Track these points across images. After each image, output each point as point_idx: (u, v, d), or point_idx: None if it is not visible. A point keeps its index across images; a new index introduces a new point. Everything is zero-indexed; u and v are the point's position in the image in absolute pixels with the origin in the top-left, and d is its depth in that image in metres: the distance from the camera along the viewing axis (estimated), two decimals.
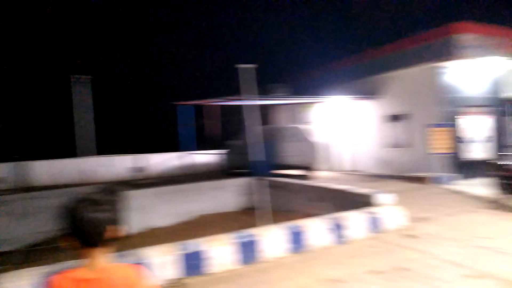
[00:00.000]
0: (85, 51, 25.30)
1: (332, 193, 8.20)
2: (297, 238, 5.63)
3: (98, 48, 26.14)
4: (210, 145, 17.93)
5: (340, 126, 15.76)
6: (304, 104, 17.12)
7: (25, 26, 25.08)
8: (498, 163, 8.74)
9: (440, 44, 11.24)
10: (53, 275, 1.50)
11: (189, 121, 15.61)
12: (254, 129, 8.39)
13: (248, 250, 5.22)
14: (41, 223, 8.47)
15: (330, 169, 16.02)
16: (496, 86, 12.78)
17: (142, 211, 9.56)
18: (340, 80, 15.03)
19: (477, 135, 12.51)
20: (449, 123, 11.50)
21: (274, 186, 10.45)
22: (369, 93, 13.98)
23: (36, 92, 24.31)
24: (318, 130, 16.60)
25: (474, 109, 12.42)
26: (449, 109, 11.73)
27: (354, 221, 6.21)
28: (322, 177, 13.49)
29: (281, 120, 18.94)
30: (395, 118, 13.30)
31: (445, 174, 10.99)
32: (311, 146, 13.83)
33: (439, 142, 11.00)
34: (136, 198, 9.60)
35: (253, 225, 7.09)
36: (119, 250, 4.95)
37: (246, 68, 8.01)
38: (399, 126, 13.15)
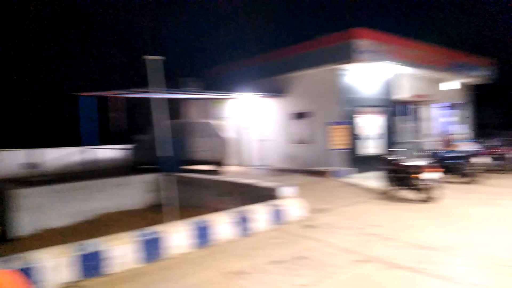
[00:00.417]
0: None
1: (239, 187, 8.36)
2: (202, 233, 5.65)
3: None
4: (116, 139, 17.02)
5: (250, 122, 16.11)
6: (216, 100, 17.16)
7: None
8: (388, 158, 9.70)
9: (340, 47, 12.06)
10: None
11: (92, 114, 14.62)
12: (162, 124, 8.17)
13: (152, 248, 5.10)
14: None
15: (239, 164, 16.31)
16: (388, 88, 14.18)
17: (35, 211, 8.75)
18: (250, 77, 15.35)
19: (371, 132, 13.77)
20: (347, 121, 12.46)
21: (182, 182, 10.31)
22: (277, 91, 14.50)
23: None
24: (229, 126, 16.81)
25: (369, 109, 13.63)
26: (348, 109, 12.70)
27: (259, 214, 6.42)
28: (232, 172, 13.68)
29: (193, 115, 18.74)
30: (300, 115, 14.00)
31: (343, 168, 11.90)
32: (222, 142, 13.92)
33: (338, 139, 11.86)
34: (27, 197, 8.76)
35: (160, 222, 6.94)
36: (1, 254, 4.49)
37: (154, 60, 7.74)
38: (303, 123, 13.87)
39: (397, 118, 15.03)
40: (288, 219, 6.85)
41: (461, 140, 14.17)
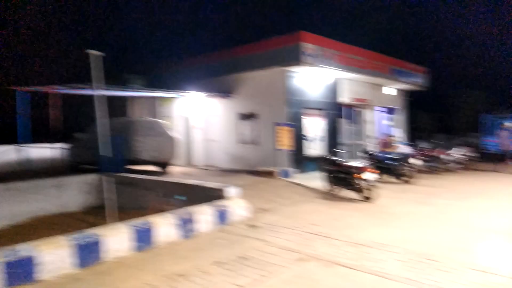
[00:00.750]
0: None
1: (184, 188, 8.22)
2: (143, 236, 5.49)
3: None
4: (57, 137, 16.07)
5: (198, 122, 15.93)
6: (164, 98, 16.76)
7: None
8: (331, 158, 10.02)
9: (288, 50, 12.28)
10: None
11: (27, 109, 13.69)
12: (104, 122, 7.82)
13: (89, 252, 4.86)
14: None
15: (187, 164, 16.07)
16: (332, 92, 14.66)
17: None
18: (198, 76, 15.19)
19: (316, 134, 14.17)
20: (294, 122, 12.71)
21: (125, 182, 9.97)
22: (225, 91, 14.46)
23: None
24: (178, 125, 16.49)
25: (314, 111, 14.02)
26: (294, 110, 12.97)
27: (203, 215, 6.36)
28: (178, 172, 13.44)
29: (140, 114, 18.17)
30: (247, 116, 14.07)
31: (289, 169, 12.12)
32: (169, 141, 13.59)
33: (285, 140, 12.06)
34: None
35: (99, 224, 6.64)
36: None
37: (96, 55, 7.40)
38: (251, 124, 13.96)
39: (340, 121, 15.59)
40: (232, 219, 6.84)
41: (398, 143, 14.97)
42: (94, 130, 10.45)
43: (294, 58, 12.02)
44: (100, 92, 7.84)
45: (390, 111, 19.14)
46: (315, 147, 14.03)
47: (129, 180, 9.97)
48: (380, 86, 17.35)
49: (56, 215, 9.89)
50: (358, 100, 16.15)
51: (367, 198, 8.72)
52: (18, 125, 14.30)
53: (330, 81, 14.42)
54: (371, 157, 12.08)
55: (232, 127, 14.50)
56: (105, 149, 7.62)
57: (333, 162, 9.76)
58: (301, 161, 13.00)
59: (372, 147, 15.51)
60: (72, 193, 10.45)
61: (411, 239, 5.73)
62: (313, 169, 12.68)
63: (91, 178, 10.80)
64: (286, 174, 11.83)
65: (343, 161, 9.83)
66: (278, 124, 11.95)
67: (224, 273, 4.57)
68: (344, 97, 15.26)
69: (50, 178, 10.42)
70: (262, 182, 10.68)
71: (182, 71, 16.05)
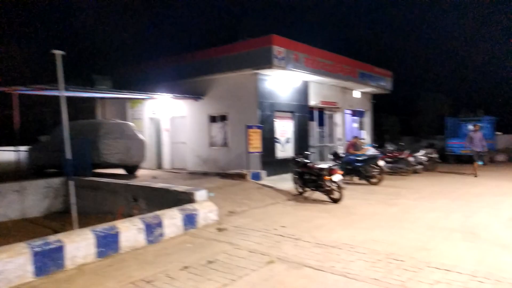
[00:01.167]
0: None
1: (152, 191, 8.05)
2: (108, 241, 5.31)
3: None
4: (20, 140, 15.39)
5: (168, 124, 15.70)
6: (134, 100, 16.41)
7: None
8: (301, 161, 10.09)
9: (260, 53, 12.29)
10: None
11: None
12: (68, 124, 7.55)
13: (48, 259, 4.66)
14: None
15: (156, 167, 15.80)
16: (303, 95, 14.81)
17: None
18: (168, 78, 14.96)
19: (287, 136, 14.26)
20: (264, 125, 12.73)
21: (92, 187, 9.68)
22: (196, 93, 14.32)
23: None
24: (147, 127, 16.19)
25: (285, 114, 14.12)
26: (265, 113, 13.00)
27: (170, 219, 6.24)
28: (147, 176, 13.17)
29: (109, 115, 17.72)
30: (218, 118, 13.98)
31: (259, 171, 12.12)
32: (139, 144, 13.30)
33: (256, 142, 12.06)
34: None
35: (61, 230, 6.40)
36: None
37: (57, 54, 7.14)
38: (222, 126, 13.89)
39: (311, 124, 15.78)
40: (201, 223, 6.75)
41: (367, 145, 15.27)
42: (59, 132, 10.10)
43: (266, 61, 12.05)
44: (65, 93, 7.58)
45: (358, 114, 19.55)
46: (286, 150, 14.12)
47: (95, 184, 9.68)
48: (348, 89, 17.68)
49: (17, 221, 9.50)
50: (327, 103, 16.39)
51: (336, 200, 8.83)
52: None
53: (301, 84, 14.56)
54: (340, 159, 12.26)
55: (203, 129, 14.37)
56: (70, 152, 7.35)
57: (304, 164, 9.83)
58: (272, 163, 13.04)
59: (342, 149, 15.76)
60: (35, 198, 10.06)
61: (378, 239, 5.82)
62: (284, 172, 12.74)
63: (55, 182, 10.43)
64: (257, 177, 11.82)
65: (313, 163, 9.92)
66: (250, 127, 11.93)
67: (192, 278, 4.49)
68: (314, 100, 15.45)
69: (11, 182, 9.98)
70: (232, 185, 10.62)
71: (152, 73, 15.77)
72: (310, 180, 9.46)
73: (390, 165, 13.94)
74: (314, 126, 16.17)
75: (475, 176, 12.97)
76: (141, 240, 5.73)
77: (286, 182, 11.16)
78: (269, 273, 4.58)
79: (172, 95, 13.98)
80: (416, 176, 13.66)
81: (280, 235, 6.17)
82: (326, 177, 8.86)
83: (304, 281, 4.33)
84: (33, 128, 19.97)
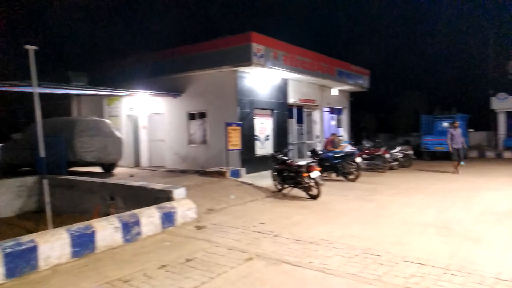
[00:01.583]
0: None
1: (128, 190, 7.93)
2: (84, 241, 5.21)
3: None
4: None
5: (146, 122, 15.49)
6: (111, 97, 16.11)
7: None
8: (280, 158, 10.14)
9: (239, 50, 12.25)
10: None
11: None
12: (42, 121, 7.34)
13: (21, 261, 4.53)
14: None
15: (133, 165, 15.58)
16: (283, 92, 14.87)
17: None
18: (146, 74, 14.75)
19: (266, 133, 14.30)
20: (244, 122, 12.72)
21: (67, 185, 9.46)
22: (174, 90, 14.17)
23: None
24: (125, 125, 15.92)
25: (265, 111, 14.15)
26: (245, 110, 12.99)
27: (148, 217, 6.16)
28: (124, 174, 12.97)
29: (85, 113, 17.33)
30: (197, 116, 13.89)
31: (239, 168, 12.11)
32: (116, 142, 13.07)
33: (235, 140, 12.04)
34: None
35: (37, 230, 6.23)
36: None
37: (30, 49, 6.93)
38: (201, 123, 13.80)
39: (290, 121, 15.86)
40: (180, 221, 6.70)
41: (345, 142, 15.48)
42: (33, 130, 9.82)
43: (245, 59, 12.03)
44: (39, 89, 7.37)
45: (336, 111, 19.79)
46: (265, 147, 14.16)
47: (71, 183, 9.46)
48: (327, 87, 17.85)
49: None
50: (306, 101, 16.52)
51: (314, 196, 8.92)
52: None
53: (280, 82, 14.61)
54: (318, 156, 12.39)
55: (181, 127, 14.25)
56: (44, 150, 7.16)
57: (283, 162, 9.88)
58: (252, 160, 13.06)
59: (320, 146, 15.92)
60: (7, 197, 9.75)
61: (355, 235, 5.92)
62: (264, 169, 12.77)
63: (29, 181, 10.14)
64: (236, 174, 11.81)
65: (292, 161, 9.99)
66: (229, 124, 11.89)
67: (170, 277, 4.45)
68: (293, 98, 15.54)
69: None
70: (211, 183, 10.58)
71: (129, 69, 15.50)
72: (289, 177, 9.52)
73: (367, 161, 14.18)
74: (293, 123, 16.27)
75: (458, 173, 13.02)
76: (118, 239, 5.64)
77: (265, 179, 11.19)
78: (247, 270, 4.59)
79: (150, 92, 13.80)
80: (392, 172, 13.94)
81: (259, 232, 6.19)
82: (305, 174, 8.94)
83: (283, 277, 4.36)
84: (5, 125, 19.38)
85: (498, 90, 23.74)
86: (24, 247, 4.58)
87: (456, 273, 4.30)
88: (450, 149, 13.19)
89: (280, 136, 14.81)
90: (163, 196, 7.02)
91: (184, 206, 6.90)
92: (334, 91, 18.50)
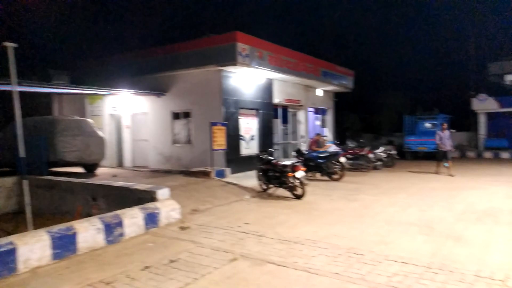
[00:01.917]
0: None
1: (113, 190, 7.81)
2: (65, 243, 5.10)
3: None
4: None
5: (130, 121, 15.29)
6: (94, 96, 15.84)
7: None
8: (265, 158, 10.14)
9: (224, 50, 12.20)
10: None
11: None
12: (22, 120, 7.17)
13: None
14: None
15: (116, 165, 15.37)
16: (268, 92, 14.88)
17: None
18: (131, 73, 14.55)
19: (251, 133, 14.29)
20: (229, 122, 12.68)
21: (48, 186, 9.26)
22: (159, 89, 14.04)
23: None
24: (108, 124, 15.69)
25: (250, 111, 14.13)
26: (230, 110, 12.95)
27: (131, 218, 6.08)
28: (107, 174, 12.79)
29: (68, 112, 17.01)
30: (182, 115, 13.79)
31: (224, 168, 12.06)
32: (98, 141, 12.87)
33: (220, 139, 11.99)
34: None
35: (16, 232, 6.07)
36: None
37: (9, 47, 6.75)
38: (185, 123, 13.70)
39: (275, 121, 15.89)
40: (163, 221, 6.63)
41: (329, 142, 15.59)
42: (12, 129, 9.58)
43: (230, 58, 11.99)
44: (19, 88, 7.19)
45: (321, 111, 19.91)
46: (250, 147, 14.14)
47: (52, 183, 9.27)
48: (311, 88, 17.95)
49: None
50: (291, 101, 16.57)
51: (299, 196, 8.95)
52: None
53: (265, 81, 14.62)
54: (303, 156, 12.44)
55: (166, 126, 14.12)
56: (23, 150, 6.99)
57: (268, 162, 9.88)
58: (237, 160, 13.02)
59: (305, 146, 15.99)
60: None
61: (339, 234, 5.95)
62: (249, 169, 12.75)
63: (8, 181, 9.89)
64: (221, 174, 11.76)
65: (277, 160, 10.00)
66: (214, 124, 11.83)
67: (153, 278, 4.40)
68: (278, 98, 15.57)
69: None
70: (196, 183, 10.51)
71: (113, 68, 15.29)
72: (274, 177, 9.53)
73: (351, 161, 14.31)
74: (278, 123, 16.31)
75: (452, 175, 12.55)
76: (100, 241, 5.55)
77: (250, 179, 11.18)
78: (232, 271, 4.57)
79: (133, 91, 13.63)
80: (375, 172, 14.10)
81: (244, 232, 6.17)
82: (290, 173, 8.96)
83: (267, 277, 4.35)
84: None
85: (478, 91, 24.28)
86: (2, 249, 4.46)
87: (437, 271, 4.37)
88: (442, 148, 12.95)
89: (265, 136, 14.82)
90: (146, 197, 6.94)
91: (168, 207, 6.83)
92: (319, 92, 18.61)
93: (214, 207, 8.16)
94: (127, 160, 15.30)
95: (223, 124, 12.19)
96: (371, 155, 14.49)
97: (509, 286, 3.95)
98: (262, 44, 13.04)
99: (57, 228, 5.20)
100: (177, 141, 13.91)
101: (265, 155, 10.27)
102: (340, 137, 21.55)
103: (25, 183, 6.93)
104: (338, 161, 12.02)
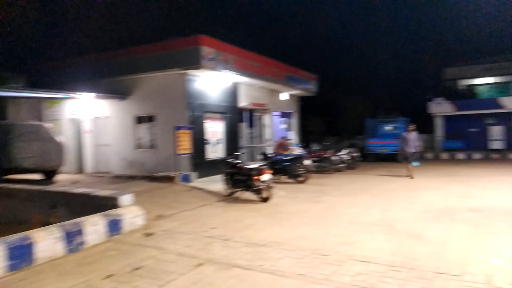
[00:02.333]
0: None
1: (71, 197, 7.54)
2: (19, 253, 4.85)
3: None
4: None
5: (90, 125, 14.82)
6: (52, 100, 15.21)
7: None
8: (231, 161, 10.11)
9: (188, 53, 12.07)
10: None
11: None
12: None
13: None
14: None
15: (76, 172, 14.84)
16: (232, 96, 14.87)
17: None
18: (91, 77, 14.11)
19: (217, 137, 14.22)
20: (194, 126, 12.55)
21: (2, 194, 8.81)
22: (120, 92, 13.69)
23: None
24: (67, 129, 15.12)
25: (215, 115, 14.06)
26: (194, 114, 12.83)
27: (92, 225, 5.88)
28: (66, 181, 12.32)
29: (23, 116, 16.22)
30: (145, 119, 13.51)
31: (189, 173, 11.92)
32: (57, 147, 12.36)
33: (185, 144, 11.85)
34: None
35: None
36: None
37: None
38: (149, 127, 13.44)
39: (240, 125, 15.90)
40: (126, 228, 6.46)
41: (294, 145, 15.78)
42: None
43: (194, 62, 11.88)
44: None
45: (286, 115, 20.14)
46: (216, 151, 14.06)
47: (7, 191, 8.83)
48: (276, 91, 18.12)
49: None
50: (257, 104, 16.65)
51: (265, 199, 8.99)
52: None
53: (230, 85, 14.61)
54: (269, 159, 12.52)
55: (128, 131, 13.79)
56: None
57: (234, 165, 9.87)
58: (203, 165, 12.90)
59: (270, 149, 16.10)
60: None
61: (304, 236, 6.03)
62: (215, 173, 12.66)
63: None
64: (186, 179, 11.62)
65: (243, 164, 10.01)
66: (178, 128, 11.68)
67: (117, 287, 4.28)
68: (244, 102, 15.60)
69: None
70: (161, 188, 10.33)
71: (72, 71, 14.76)
72: (240, 180, 9.52)
73: (315, 164, 14.55)
74: (244, 127, 16.33)
75: (411, 178, 12.47)
76: (59, 250, 5.33)
77: (217, 183, 11.11)
78: (198, 276, 4.52)
79: (94, 94, 13.21)
80: (339, 174, 14.41)
81: (210, 237, 6.12)
82: (256, 177, 8.99)
83: (233, 282, 4.33)
84: None
85: (435, 95, 25.40)
86: None
87: (399, 269, 4.51)
88: (403, 152, 12.74)
89: (232, 139, 14.79)
90: (108, 203, 6.74)
91: (131, 213, 6.66)
92: (284, 95, 18.82)
93: (179, 212, 8.04)
94: (89, 166, 14.80)
95: (188, 128, 12.06)
96: (334, 158, 14.80)
97: (464, 280, 4.14)
98: (227, 48, 13.03)
99: (13, 238, 4.95)
100: (140, 146, 13.62)
101: (232, 159, 10.26)
102: (304, 140, 21.89)
103: None
104: (303, 164, 12.19)
